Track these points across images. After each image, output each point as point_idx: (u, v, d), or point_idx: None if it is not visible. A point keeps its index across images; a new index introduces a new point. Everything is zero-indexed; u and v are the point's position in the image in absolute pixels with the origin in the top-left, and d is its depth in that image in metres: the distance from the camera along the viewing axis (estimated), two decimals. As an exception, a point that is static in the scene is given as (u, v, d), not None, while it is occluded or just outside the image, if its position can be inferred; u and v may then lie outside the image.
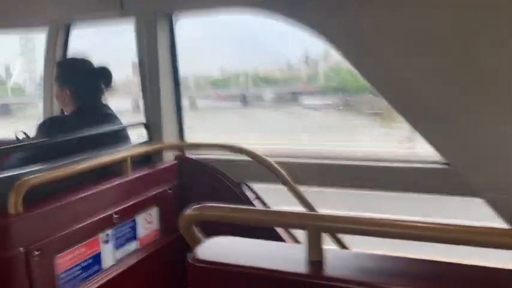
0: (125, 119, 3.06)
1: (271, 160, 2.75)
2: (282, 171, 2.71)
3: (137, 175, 2.75)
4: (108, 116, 2.92)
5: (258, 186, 3.11)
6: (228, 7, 2.70)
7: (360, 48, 2.01)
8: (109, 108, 2.97)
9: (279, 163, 2.75)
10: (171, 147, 3.15)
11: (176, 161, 3.14)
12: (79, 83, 2.88)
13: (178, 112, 3.24)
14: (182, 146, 3.20)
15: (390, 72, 1.93)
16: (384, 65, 1.94)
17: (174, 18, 3.09)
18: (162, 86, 3.12)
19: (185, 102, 3.26)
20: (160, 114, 3.11)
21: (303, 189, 2.73)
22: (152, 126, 3.14)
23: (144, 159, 2.99)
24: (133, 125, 3.10)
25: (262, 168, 2.75)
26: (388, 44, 1.90)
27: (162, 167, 3.01)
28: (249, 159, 2.81)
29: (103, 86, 2.93)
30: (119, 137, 2.92)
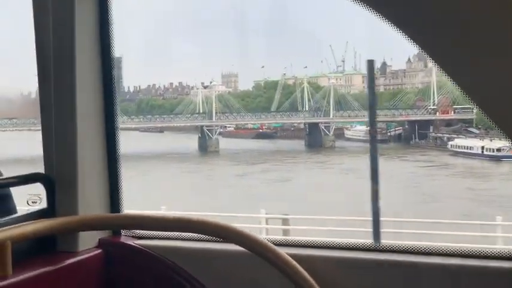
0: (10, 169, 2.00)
1: (285, 253, 1.79)
2: (308, 279, 1.78)
3: (25, 276, 1.80)
4: None
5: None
6: None
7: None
8: None
9: (305, 259, 1.88)
10: (93, 224, 2.01)
11: (101, 250, 2.16)
12: None
13: (110, 154, 2.23)
14: (115, 222, 2.08)
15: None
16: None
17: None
18: (82, 103, 2.11)
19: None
20: (75, 158, 2.11)
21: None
22: (59, 182, 2.12)
23: (39, 246, 2.00)
24: (20, 180, 2.05)
25: (269, 271, 1.78)
26: None
27: (74, 260, 2.02)
28: (242, 251, 1.80)
29: None
30: None
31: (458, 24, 1.14)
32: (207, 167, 33.58)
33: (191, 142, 41.78)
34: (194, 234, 2.13)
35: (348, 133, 39.74)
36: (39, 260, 1.97)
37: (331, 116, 37.57)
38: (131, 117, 39.66)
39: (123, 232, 2.27)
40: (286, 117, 39.69)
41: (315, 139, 37.95)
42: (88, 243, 2.16)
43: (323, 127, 37.36)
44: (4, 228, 1.72)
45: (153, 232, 2.24)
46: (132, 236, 2.25)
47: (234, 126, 42.17)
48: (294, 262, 1.80)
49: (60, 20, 2.10)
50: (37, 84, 2.19)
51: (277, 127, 43.14)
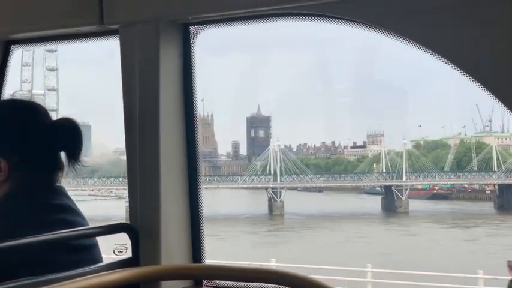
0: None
1: None
2: None
3: None
4: (60, 210, 1.94)
5: None
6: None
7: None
8: (66, 195, 2.01)
9: None
10: (176, 274, 2.09)
11: None
12: (17, 148, 1.91)
13: (193, 209, 2.28)
14: (197, 273, 2.18)
15: None
16: None
17: (189, 30, 2.16)
18: (166, 158, 2.18)
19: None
20: (159, 210, 2.15)
21: None
22: (143, 232, 2.14)
23: None
24: (105, 230, 2.03)
25: None
26: None
27: None
28: None
29: (62, 156, 1.98)
30: (79, 249, 1.94)
31: None
32: (419, 230, 31.80)
33: (361, 202, 40.41)
34: (273, 286, 2.02)
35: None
36: None
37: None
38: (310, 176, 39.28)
39: (204, 282, 2.23)
40: (480, 177, 38.27)
41: (508, 201, 36.34)
42: None
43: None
44: (89, 276, 1.76)
45: (233, 282, 2.16)
46: (213, 287, 2.22)
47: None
48: None
49: (147, 80, 2.14)
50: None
51: (449, 188, 41.51)
